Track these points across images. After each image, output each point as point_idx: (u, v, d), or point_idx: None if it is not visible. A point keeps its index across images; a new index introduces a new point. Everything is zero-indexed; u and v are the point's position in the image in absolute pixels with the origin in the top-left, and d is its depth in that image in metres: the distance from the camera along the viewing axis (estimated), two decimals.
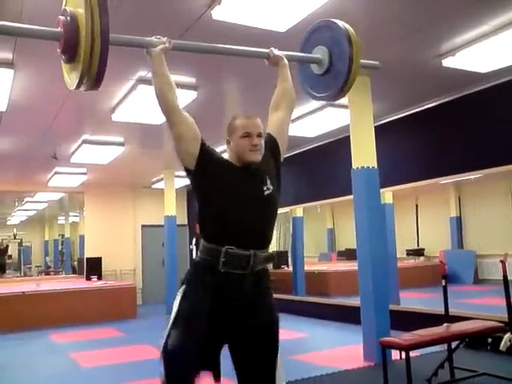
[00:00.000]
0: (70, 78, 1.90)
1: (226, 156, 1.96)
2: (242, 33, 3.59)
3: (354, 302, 5.43)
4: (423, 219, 11.13)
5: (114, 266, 10.34)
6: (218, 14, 3.34)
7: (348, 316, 6.21)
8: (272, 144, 2.01)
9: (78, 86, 1.83)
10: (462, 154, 5.40)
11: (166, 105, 1.84)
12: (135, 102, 5.04)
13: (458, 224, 10.56)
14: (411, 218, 11.14)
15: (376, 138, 4.79)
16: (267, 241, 1.89)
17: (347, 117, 5.01)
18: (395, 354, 4.00)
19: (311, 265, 10.14)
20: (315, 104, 5.45)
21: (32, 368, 5.04)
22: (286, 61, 2.20)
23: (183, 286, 1.84)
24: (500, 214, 9.73)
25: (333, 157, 7.08)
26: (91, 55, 1.71)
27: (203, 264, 1.82)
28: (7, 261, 13.86)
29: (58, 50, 1.83)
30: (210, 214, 1.84)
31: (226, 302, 1.77)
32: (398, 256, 7.07)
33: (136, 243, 10.93)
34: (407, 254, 10.89)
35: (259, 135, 1.88)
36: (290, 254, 9.66)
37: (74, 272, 11.73)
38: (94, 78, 1.77)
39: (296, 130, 6.39)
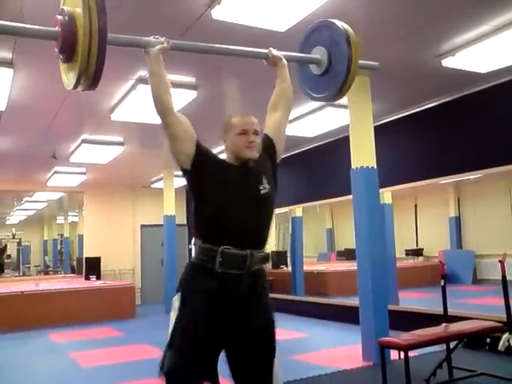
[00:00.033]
0: (68, 78, 1.89)
1: (223, 156, 1.96)
2: (241, 33, 3.59)
3: (353, 301, 5.43)
4: (422, 219, 11.13)
5: (112, 265, 10.34)
6: (217, 13, 3.34)
7: (347, 316, 6.22)
8: (269, 144, 2.02)
9: (76, 86, 1.83)
10: (461, 154, 5.40)
11: (162, 105, 1.84)
12: (135, 102, 5.04)
13: (457, 224, 10.57)
14: (410, 218, 11.15)
15: (375, 138, 4.79)
16: (263, 240, 1.88)
17: (347, 117, 5.01)
18: (394, 354, 4.00)
19: (310, 265, 10.14)
20: (315, 104, 5.45)
21: (31, 368, 5.03)
22: (284, 61, 2.20)
23: (180, 294, 1.81)
24: (499, 214, 9.74)
25: (332, 157, 7.08)
26: (89, 55, 1.70)
27: (199, 265, 1.81)
28: (6, 260, 13.86)
29: (56, 50, 1.83)
30: (206, 214, 1.83)
31: (223, 303, 1.76)
32: (397, 256, 7.07)
33: (135, 243, 10.92)
34: (406, 254, 10.90)
35: (255, 133, 1.90)
36: (289, 254, 9.66)
37: (73, 272, 11.72)
38: (91, 77, 1.77)
39: (296, 129, 6.39)
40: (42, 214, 14.64)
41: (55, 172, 8.64)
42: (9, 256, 14.30)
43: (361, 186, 4.70)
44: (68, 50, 1.78)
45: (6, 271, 13.19)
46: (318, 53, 2.31)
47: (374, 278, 4.53)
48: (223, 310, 1.76)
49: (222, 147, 1.98)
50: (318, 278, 8.81)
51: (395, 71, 4.68)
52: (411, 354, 3.38)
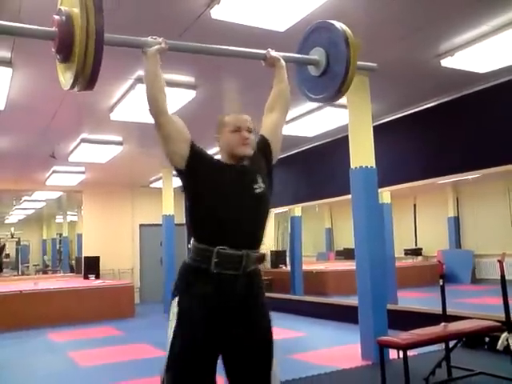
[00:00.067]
0: (65, 78, 1.89)
1: (218, 157, 1.95)
2: (241, 32, 3.59)
3: (352, 301, 5.44)
4: (421, 219, 11.14)
5: (112, 264, 10.33)
6: (217, 13, 3.34)
7: (346, 315, 6.22)
8: (264, 145, 2.01)
9: (73, 86, 1.83)
10: (460, 153, 5.40)
11: (156, 105, 1.83)
12: (134, 101, 5.04)
13: (456, 224, 10.58)
14: (409, 217, 11.16)
15: (374, 138, 4.80)
16: (259, 240, 1.86)
17: (346, 116, 5.01)
18: (393, 354, 4.01)
19: (309, 264, 10.15)
20: (314, 103, 5.45)
21: (30, 367, 5.03)
22: (282, 62, 2.19)
23: (176, 301, 1.78)
24: (498, 213, 9.75)
25: (331, 156, 7.08)
26: (85, 55, 1.70)
27: (194, 266, 1.79)
28: (5, 260, 13.85)
29: (53, 50, 1.83)
30: (201, 214, 1.82)
31: (220, 305, 1.74)
32: (395, 256, 7.08)
33: (134, 242, 10.92)
34: (405, 254, 10.91)
35: (249, 130, 1.90)
36: (288, 254, 9.67)
37: (72, 271, 11.71)
38: (88, 78, 1.76)
39: (294, 129, 6.39)
40: (41, 214, 14.64)
41: (54, 171, 8.64)
42: (8, 255, 14.29)
43: (360, 185, 4.71)
44: (65, 50, 1.78)
45: (4, 270, 13.18)
46: (317, 54, 2.31)
47: (373, 277, 4.54)
48: (220, 313, 1.74)
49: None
50: (317, 278, 8.82)
51: (394, 71, 4.68)
52: (410, 353, 3.38)
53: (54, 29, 1.79)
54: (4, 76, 4.25)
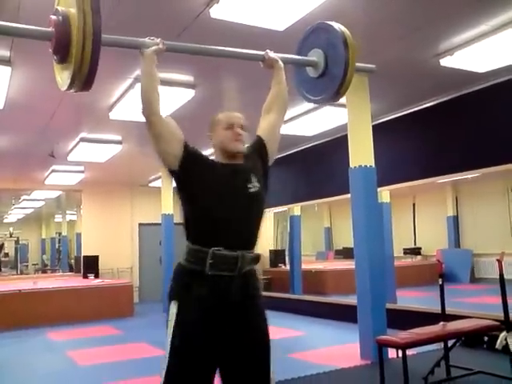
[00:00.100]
0: (62, 79, 1.89)
1: (212, 157, 1.95)
2: (240, 32, 3.59)
3: (351, 300, 5.44)
4: (420, 218, 11.16)
5: (111, 264, 10.33)
6: (216, 12, 3.34)
7: (345, 314, 6.22)
8: (260, 145, 2.01)
9: (70, 87, 1.82)
10: (459, 153, 5.41)
11: (149, 105, 1.82)
12: (133, 101, 5.03)
13: (455, 223, 10.60)
14: (408, 217, 11.18)
15: (374, 137, 4.79)
16: (254, 241, 1.85)
17: (345, 116, 5.01)
18: (392, 353, 4.02)
19: (308, 263, 10.17)
20: None
21: (29, 366, 5.02)
22: (281, 63, 2.18)
23: (173, 306, 1.76)
24: (497, 213, 9.77)
25: (330, 156, 7.09)
26: (82, 55, 1.70)
27: (188, 268, 1.77)
28: (4, 259, 13.84)
29: (50, 50, 1.82)
30: (196, 215, 1.81)
31: (216, 307, 1.72)
32: (395, 255, 7.09)
33: (133, 241, 10.92)
34: (404, 253, 10.93)
35: (242, 127, 1.90)
36: (287, 253, 9.67)
37: (71, 270, 11.71)
38: (85, 78, 1.76)
39: (294, 128, 6.39)
40: (40, 213, 14.63)
41: (53, 170, 8.63)
42: (6, 254, 14.28)
43: (359, 184, 4.71)
44: (62, 51, 1.77)
45: (3, 270, 13.18)
46: (315, 55, 2.31)
47: (372, 276, 4.54)
48: (217, 315, 1.72)
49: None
50: (316, 277, 8.83)
51: (394, 70, 4.68)
52: (409, 352, 3.38)
53: (50, 29, 1.78)
54: (3, 75, 4.25)
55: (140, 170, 9.54)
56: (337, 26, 2.24)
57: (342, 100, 4.86)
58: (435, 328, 3.66)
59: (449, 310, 3.99)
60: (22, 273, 12.82)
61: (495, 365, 3.81)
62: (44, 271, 13.30)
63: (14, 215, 15.18)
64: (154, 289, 9.93)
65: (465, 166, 5.34)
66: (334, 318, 6.75)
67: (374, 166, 4.73)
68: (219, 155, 1.91)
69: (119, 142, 6.96)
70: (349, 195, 4.86)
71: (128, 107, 5.28)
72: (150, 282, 10.52)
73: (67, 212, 13.49)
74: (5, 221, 15.26)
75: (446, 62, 4.44)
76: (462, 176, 5.69)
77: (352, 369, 4.28)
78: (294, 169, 7.94)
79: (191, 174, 1.81)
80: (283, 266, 9.70)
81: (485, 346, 4.58)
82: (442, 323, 3.74)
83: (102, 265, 10.06)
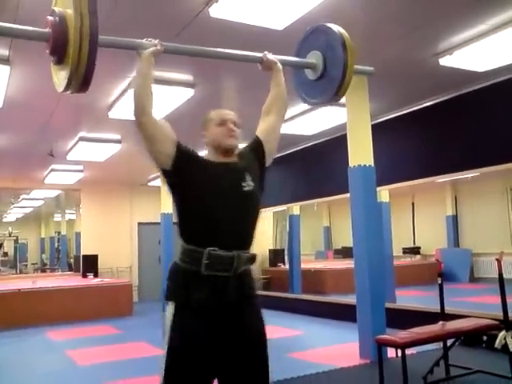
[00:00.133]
0: (59, 80, 1.88)
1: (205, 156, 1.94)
2: (239, 31, 3.58)
3: (350, 300, 5.44)
4: (419, 218, 11.17)
5: (110, 263, 10.32)
6: (215, 11, 3.33)
7: (344, 314, 6.23)
8: (257, 145, 1.99)
9: (67, 88, 1.81)
10: (459, 152, 5.41)
11: (141, 106, 1.81)
12: (132, 100, 5.02)
13: (455, 222, 10.61)
14: (408, 216, 11.18)
15: (373, 137, 4.80)
16: (249, 240, 1.83)
17: (344, 115, 5.01)
18: (391, 352, 4.02)
19: (307, 263, 10.17)
20: None
21: (28, 366, 5.02)
22: (279, 65, 2.17)
23: (169, 308, 1.76)
24: (496, 212, 9.78)
25: (330, 155, 7.09)
26: (79, 56, 1.69)
27: (184, 267, 1.76)
28: (3, 258, 13.84)
29: (47, 51, 1.81)
30: (190, 215, 1.79)
31: (212, 307, 1.72)
32: (394, 254, 7.09)
33: (132, 241, 10.92)
34: (403, 253, 10.94)
35: (234, 123, 1.89)
36: (286, 252, 9.68)
37: (70, 269, 11.72)
38: (81, 79, 1.75)
39: (293, 128, 6.39)
40: (39, 212, 14.63)
41: (52, 170, 8.62)
42: (6, 254, 14.28)
43: (358, 184, 4.71)
44: (59, 52, 1.76)
45: (3, 269, 13.18)
46: (314, 57, 2.30)
47: (372, 276, 4.54)
48: (213, 315, 1.71)
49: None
50: (316, 276, 8.83)
51: (393, 70, 4.68)
52: (408, 351, 3.39)
53: (47, 30, 1.77)
54: (2, 74, 4.24)
55: (139, 169, 9.52)
56: (335, 28, 2.24)
57: (342, 99, 4.84)
58: (434, 327, 3.67)
59: (448, 309, 3.99)
60: (21, 272, 12.82)
61: (494, 364, 3.81)
62: (43, 270, 13.31)
63: (13, 214, 15.17)
64: (154, 288, 9.93)
65: (464, 165, 5.34)
66: (333, 318, 6.75)
67: (373, 165, 4.73)
68: (213, 153, 1.89)
69: (118, 141, 6.95)
70: (348, 194, 4.86)
71: (127, 106, 5.27)
72: (149, 281, 10.52)
73: (66, 211, 13.50)
74: (4, 220, 15.26)
75: (446, 61, 4.44)
76: (461, 175, 5.69)
77: (351, 368, 4.28)
78: (294, 168, 7.94)
79: (184, 174, 1.79)
80: (282, 266, 9.70)
81: (484, 345, 4.59)
82: (441, 322, 3.75)
83: (102, 264, 10.06)
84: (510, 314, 3.69)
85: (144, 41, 1.94)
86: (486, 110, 5.17)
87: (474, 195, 10.15)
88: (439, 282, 3.92)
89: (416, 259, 10.92)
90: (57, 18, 1.75)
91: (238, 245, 1.76)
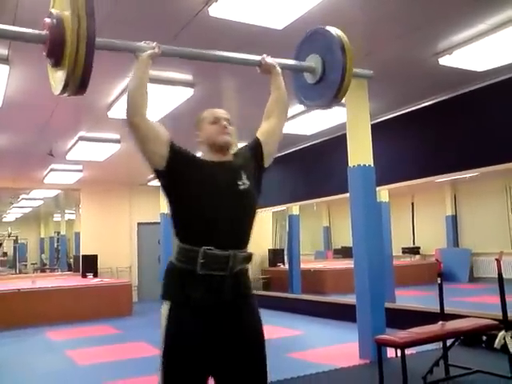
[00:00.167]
0: (55, 82, 1.87)
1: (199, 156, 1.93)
2: (238, 30, 3.57)
3: (350, 299, 5.44)
4: (419, 217, 11.17)
5: (109, 263, 10.32)
6: (215, 10, 3.33)
7: (344, 314, 6.23)
8: (256, 145, 1.99)
9: (64, 90, 1.80)
10: (458, 152, 5.41)
11: (134, 108, 1.81)
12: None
13: (454, 222, 10.61)
14: (407, 216, 11.18)
15: (372, 137, 4.79)
16: (245, 240, 1.82)
17: (344, 115, 5.01)
18: (391, 352, 4.02)
19: (307, 263, 10.18)
20: None
21: (28, 366, 5.02)
22: (278, 69, 2.16)
23: (165, 302, 1.77)
24: (495, 212, 9.78)
25: (329, 155, 7.08)
26: (76, 58, 1.68)
27: (179, 267, 1.76)
28: (2, 258, 13.84)
29: (44, 54, 1.80)
30: (186, 215, 1.78)
31: (208, 307, 1.71)
32: (393, 254, 7.09)
33: (132, 240, 10.91)
34: (403, 253, 10.94)
35: (228, 121, 1.89)
36: (285, 252, 9.68)
37: (70, 269, 11.71)
38: (78, 82, 1.75)
39: (293, 127, 6.39)
40: (39, 212, 14.63)
41: (52, 169, 8.62)
42: (5, 254, 14.28)
43: (358, 184, 4.71)
44: (56, 54, 1.75)
45: (2, 269, 13.18)
46: (313, 61, 2.30)
47: (371, 276, 4.54)
48: (209, 315, 1.71)
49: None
50: (315, 276, 8.84)
51: (392, 70, 4.68)
52: (408, 351, 3.38)
53: (44, 32, 1.77)
54: (1, 73, 4.24)
55: (139, 169, 9.47)
56: (334, 31, 2.23)
57: None
58: (434, 327, 3.67)
59: (447, 309, 3.99)
60: (20, 272, 12.82)
61: (494, 364, 3.82)
62: (43, 270, 13.31)
63: (12, 214, 15.17)
64: (153, 288, 9.87)
65: (463, 165, 5.34)
66: (332, 318, 6.75)
67: (372, 165, 4.73)
68: (207, 152, 1.89)
69: (118, 141, 6.95)
70: (347, 194, 4.86)
71: None
72: (148, 281, 10.52)
73: (66, 211, 13.50)
74: (3, 220, 15.26)
75: (445, 61, 4.44)
76: (460, 175, 5.69)
77: (351, 368, 4.28)
78: (293, 168, 7.94)
79: (178, 173, 1.79)
80: (282, 266, 9.70)
81: (483, 345, 4.58)
82: (440, 322, 3.75)
83: (101, 264, 10.05)
84: (509, 314, 3.69)
85: (142, 43, 1.92)
86: (485, 110, 5.17)
87: (474, 195, 10.15)
88: (439, 281, 3.92)
89: (415, 259, 10.93)
90: (54, 20, 1.74)
91: (234, 244, 1.75)
